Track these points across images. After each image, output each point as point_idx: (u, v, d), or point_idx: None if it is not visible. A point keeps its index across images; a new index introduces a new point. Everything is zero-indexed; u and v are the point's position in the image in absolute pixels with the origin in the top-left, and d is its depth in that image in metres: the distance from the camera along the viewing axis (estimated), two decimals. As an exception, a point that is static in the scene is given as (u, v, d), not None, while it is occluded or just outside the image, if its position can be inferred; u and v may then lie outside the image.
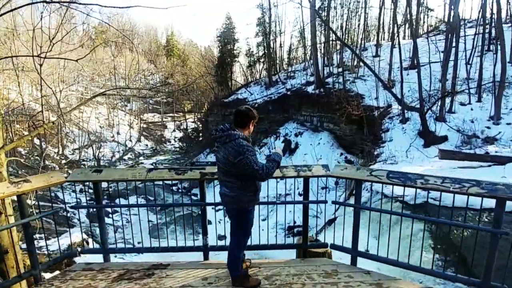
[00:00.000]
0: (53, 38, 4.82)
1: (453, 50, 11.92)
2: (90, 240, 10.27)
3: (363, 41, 19.58)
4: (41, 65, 5.00)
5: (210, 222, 11.40)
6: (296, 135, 16.20)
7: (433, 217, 2.84)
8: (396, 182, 2.56)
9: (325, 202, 2.85)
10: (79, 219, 13.63)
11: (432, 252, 4.64)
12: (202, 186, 2.87)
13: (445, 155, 8.60)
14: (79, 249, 3.10)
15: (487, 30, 14.61)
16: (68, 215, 13.44)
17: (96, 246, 10.61)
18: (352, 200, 8.42)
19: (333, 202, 2.84)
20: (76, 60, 3.86)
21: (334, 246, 2.89)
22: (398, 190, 7.64)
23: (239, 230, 2.55)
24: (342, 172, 2.78)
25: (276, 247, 2.94)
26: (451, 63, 11.85)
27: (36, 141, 19.70)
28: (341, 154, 14.14)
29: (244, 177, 2.36)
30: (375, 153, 10.65)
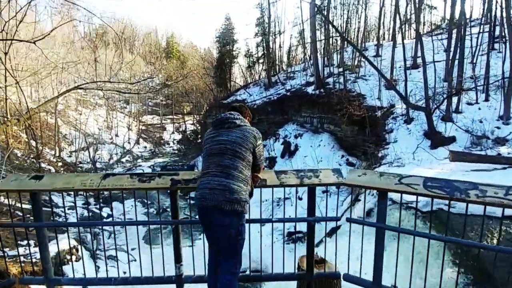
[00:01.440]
0: (20, 22, 4.12)
1: (457, 48, 11.20)
2: (80, 248, 9.50)
3: (363, 42, 18.90)
4: (6, 53, 4.29)
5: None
6: (295, 136, 15.46)
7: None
8: (438, 194, 1.81)
9: (337, 219, 2.09)
10: (70, 224, 12.78)
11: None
12: (174, 198, 2.12)
13: (456, 156, 7.84)
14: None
15: (492, 28, 13.89)
16: (60, 219, 12.66)
17: (86, 253, 9.70)
18: (358, 207, 7.49)
19: (348, 220, 2.08)
20: (34, 42, 3.17)
21: (349, 278, 2.13)
22: (407, 195, 6.90)
23: (235, 246, 1.92)
24: (360, 180, 2.02)
25: (272, 278, 2.18)
26: (455, 62, 11.15)
27: (33, 142, 18.95)
28: (342, 156, 13.39)
29: (252, 166, 2.03)
30: (379, 155, 9.90)
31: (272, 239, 2.80)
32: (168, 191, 2.15)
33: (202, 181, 1.94)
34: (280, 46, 21.75)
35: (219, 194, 1.85)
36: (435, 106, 9.61)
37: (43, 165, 17.80)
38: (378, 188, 1.97)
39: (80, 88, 6.49)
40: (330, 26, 17.00)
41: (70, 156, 20.20)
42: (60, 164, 18.83)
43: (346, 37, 18.26)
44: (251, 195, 2.01)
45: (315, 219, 2.08)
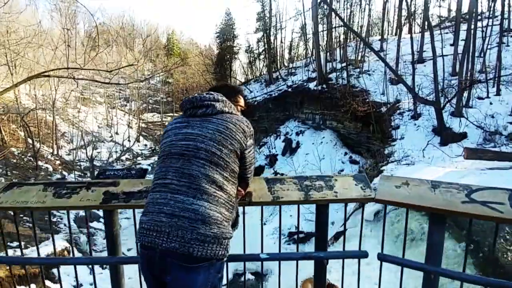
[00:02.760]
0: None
1: (469, 40, 10.33)
2: (72, 249, 8.78)
3: (367, 37, 17.98)
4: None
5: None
6: (297, 134, 14.66)
7: None
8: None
9: (362, 255, 1.30)
10: (65, 224, 12.15)
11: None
12: (111, 222, 1.34)
13: (471, 154, 7.03)
14: None
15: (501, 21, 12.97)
16: (54, 219, 11.99)
17: (79, 255, 8.95)
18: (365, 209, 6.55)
19: (380, 258, 1.27)
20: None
21: None
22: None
23: None
24: (401, 194, 1.24)
25: None
26: (466, 55, 10.28)
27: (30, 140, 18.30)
28: (346, 153, 12.60)
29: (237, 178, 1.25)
30: (386, 152, 9.10)
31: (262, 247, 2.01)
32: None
33: (155, 198, 1.15)
34: (281, 42, 20.89)
35: (185, 227, 1.07)
36: (447, 100, 8.76)
37: (40, 163, 17.16)
38: (433, 209, 1.17)
39: (46, 76, 5.71)
40: (333, 18, 16.12)
41: (69, 155, 19.55)
42: (58, 162, 18.17)
43: (349, 33, 17.36)
44: (234, 225, 1.25)
45: (327, 256, 1.28)
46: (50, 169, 17.38)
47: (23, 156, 17.39)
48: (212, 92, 1.31)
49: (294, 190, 1.36)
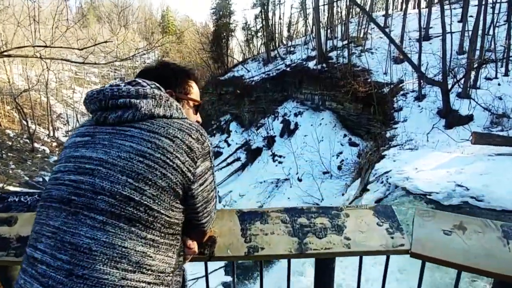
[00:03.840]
0: None
1: (479, 16, 9.45)
2: None
3: (370, 11, 16.76)
4: None
5: None
6: (295, 115, 14.04)
7: None
8: None
9: None
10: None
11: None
12: (6, 279, 0.82)
13: (479, 139, 6.50)
14: None
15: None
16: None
17: None
18: (366, 196, 6.19)
19: None
20: None
21: None
22: (424, 185, 5.65)
23: None
24: (458, 248, 0.71)
25: None
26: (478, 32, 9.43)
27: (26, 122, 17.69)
28: (345, 135, 12.09)
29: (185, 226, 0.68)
30: (387, 135, 8.58)
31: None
32: None
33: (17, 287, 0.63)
34: (280, 18, 19.61)
35: None
36: (455, 81, 8.09)
37: (37, 145, 16.69)
38: (506, 277, 0.67)
39: (7, 56, 5.01)
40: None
41: (65, 136, 19.05)
42: (54, 144, 17.70)
43: (351, 8, 16.14)
44: None
45: None
46: (47, 151, 16.95)
47: (18, 138, 16.88)
48: (139, 80, 0.72)
49: (282, 234, 0.84)
